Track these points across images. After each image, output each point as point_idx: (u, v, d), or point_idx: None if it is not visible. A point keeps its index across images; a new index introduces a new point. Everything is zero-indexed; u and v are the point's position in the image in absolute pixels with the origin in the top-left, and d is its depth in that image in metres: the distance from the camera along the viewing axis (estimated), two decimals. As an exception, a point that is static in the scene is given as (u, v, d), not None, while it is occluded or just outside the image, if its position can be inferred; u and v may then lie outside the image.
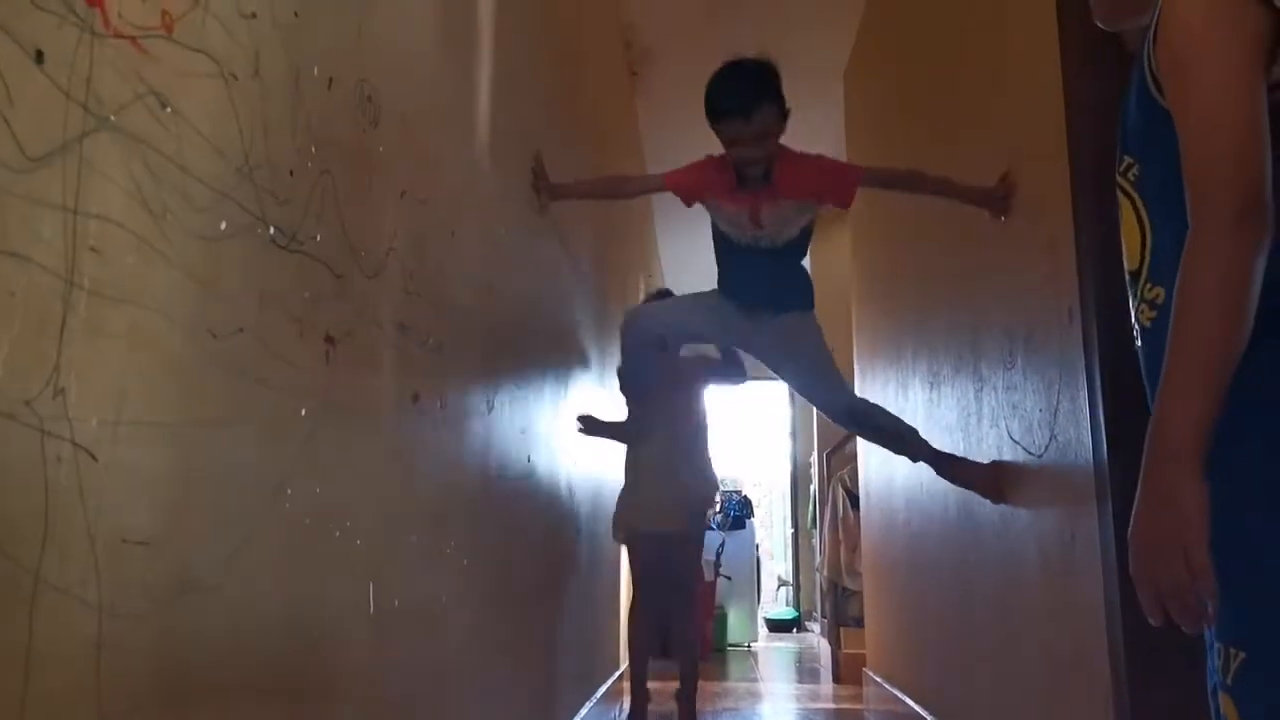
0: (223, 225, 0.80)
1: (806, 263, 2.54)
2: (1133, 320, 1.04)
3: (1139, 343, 1.03)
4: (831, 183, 2.28)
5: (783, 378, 2.55)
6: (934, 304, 2.91)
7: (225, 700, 0.80)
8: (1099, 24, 1.15)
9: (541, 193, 2.16)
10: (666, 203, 6.43)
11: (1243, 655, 0.87)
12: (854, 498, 4.81)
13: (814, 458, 6.40)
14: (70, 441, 0.62)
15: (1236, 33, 0.86)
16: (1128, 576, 1.35)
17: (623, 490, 3.31)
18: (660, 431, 3.18)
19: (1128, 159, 1.02)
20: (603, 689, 3.29)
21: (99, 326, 0.65)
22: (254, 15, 0.85)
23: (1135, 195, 1.01)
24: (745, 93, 2.08)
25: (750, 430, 9.03)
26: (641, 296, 4.27)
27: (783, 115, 2.15)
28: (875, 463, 4.03)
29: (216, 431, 0.80)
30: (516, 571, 1.99)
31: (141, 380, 0.70)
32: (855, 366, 4.60)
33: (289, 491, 0.91)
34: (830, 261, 5.89)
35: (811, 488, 6.50)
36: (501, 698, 1.84)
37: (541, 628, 2.26)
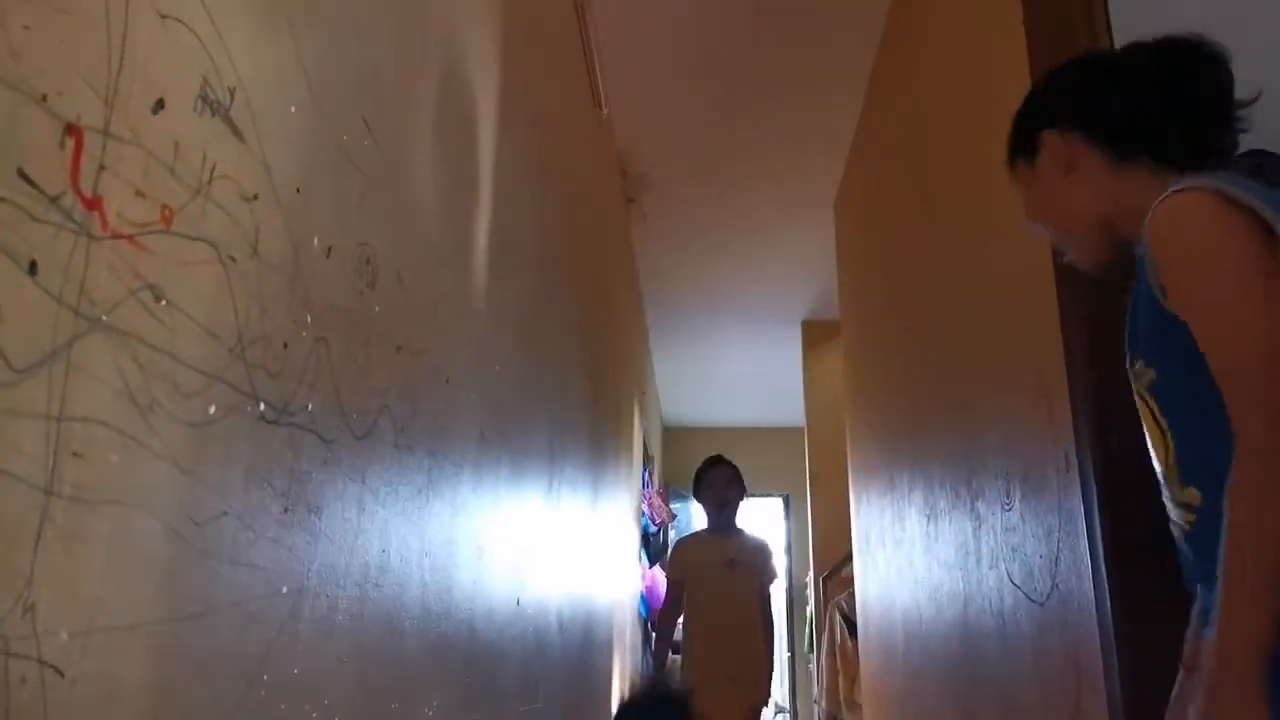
0: (212, 409, 0.78)
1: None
2: (1171, 520, 1.03)
3: (1182, 543, 1.01)
4: None
5: None
6: (929, 434, 2.90)
7: None
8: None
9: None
10: (660, 320, 6.48)
11: None
12: (852, 625, 4.69)
13: (809, 578, 6.28)
14: (36, 660, 0.59)
15: (1236, 236, 0.87)
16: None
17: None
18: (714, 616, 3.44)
19: (1140, 362, 1.03)
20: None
21: (77, 533, 0.62)
22: (256, 196, 0.86)
23: (1151, 400, 1.01)
24: None
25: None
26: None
27: None
28: (874, 590, 3.94)
29: (193, 624, 0.76)
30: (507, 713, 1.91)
31: (118, 583, 0.67)
32: (850, 490, 4.56)
33: (265, 678, 0.87)
34: (824, 382, 5.92)
35: (808, 609, 6.35)
36: None
37: (528, 778, 2.16)
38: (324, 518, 1.01)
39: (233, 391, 0.82)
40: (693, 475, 3.95)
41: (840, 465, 4.79)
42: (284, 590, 0.92)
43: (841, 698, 4.74)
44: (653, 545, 6.42)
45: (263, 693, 0.87)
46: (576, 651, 2.98)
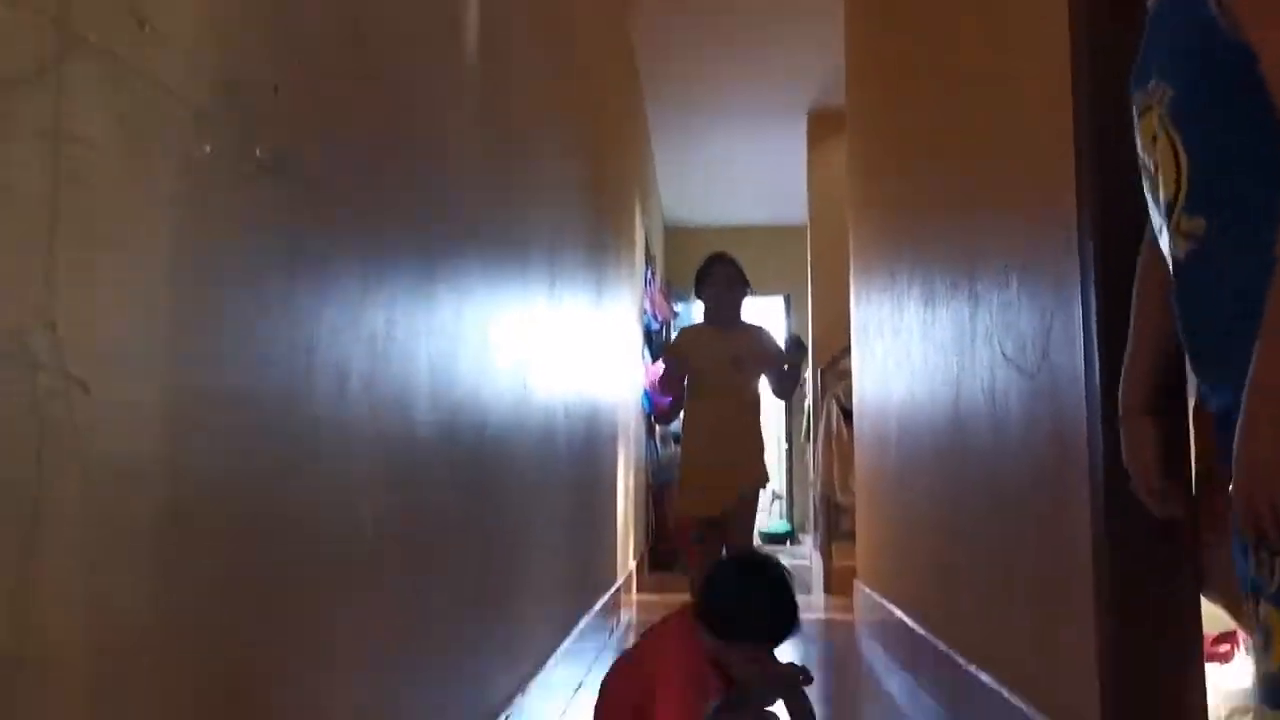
0: (207, 149, 0.78)
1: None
2: (1166, 253, 1.03)
3: (1172, 275, 1.02)
4: None
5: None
6: (931, 224, 2.89)
7: (222, 631, 0.82)
8: None
9: None
10: (662, 118, 6.30)
11: None
12: (848, 413, 4.85)
13: (808, 373, 6.44)
14: (63, 375, 0.61)
15: None
16: (1114, 490, 1.37)
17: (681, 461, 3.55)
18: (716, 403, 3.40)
19: (1161, 85, 1.00)
20: (602, 601, 3.36)
21: (86, 258, 0.63)
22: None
23: (1169, 122, 0.99)
24: None
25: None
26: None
27: None
28: (870, 379, 4.05)
29: (210, 363, 0.79)
30: (509, 494, 2.01)
31: (130, 310, 0.69)
32: (851, 283, 4.59)
33: (284, 429, 0.91)
34: (827, 178, 5.83)
35: (806, 402, 6.54)
36: (497, 612, 1.88)
37: (536, 543, 2.30)
38: (327, 278, 1.02)
39: (227, 132, 0.81)
40: (694, 275, 3.93)
41: (841, 263, 4.80)
42: (296, 343, 0.94)
43: (836, 483, 4.96)
44: (655, 342, 6.54)
45: (283, 439, 0.91)
46: (582, 439, 3.10)
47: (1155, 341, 1.23)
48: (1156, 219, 1.08)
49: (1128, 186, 1.59)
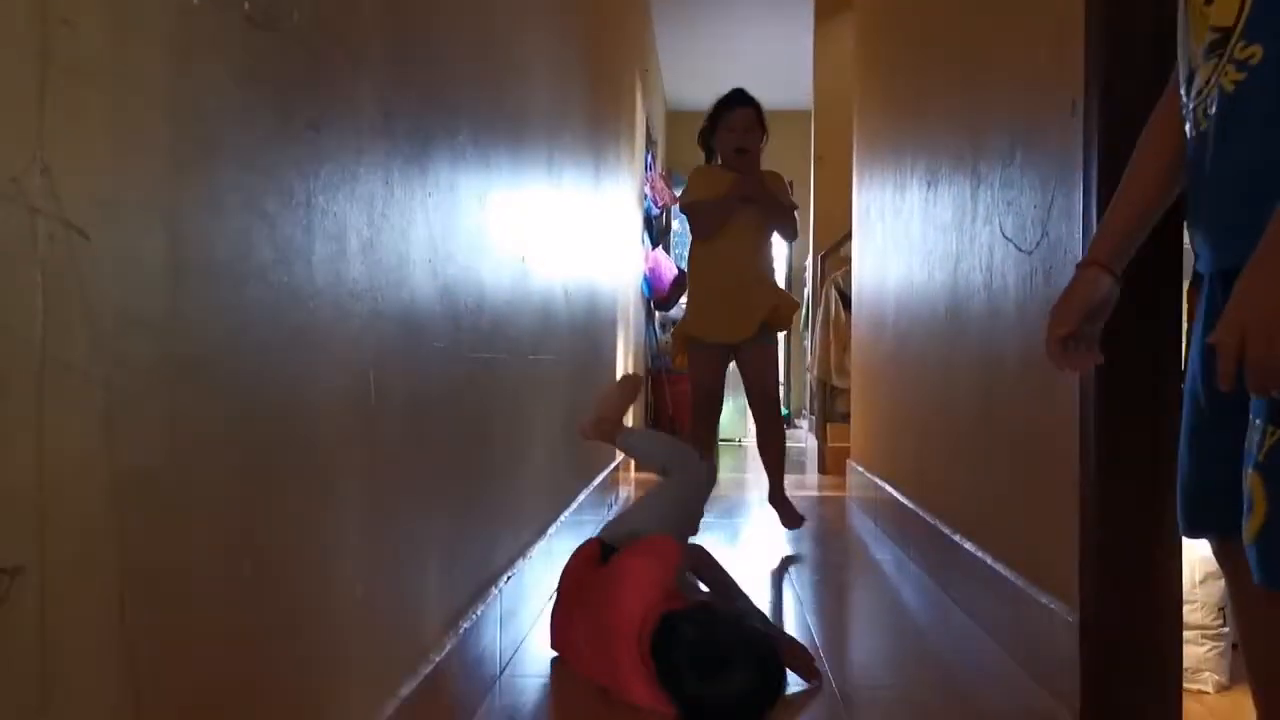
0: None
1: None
2: (1200, 88, 0.99)
3: (1211, 109, 0.98)
4: None
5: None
6: (934, 102, 2.84)
7: (231, 475, 0.85)
8: None
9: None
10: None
11: (1278, 435, 0.91)
12: (847, 299, 4.86)
13: (809, 261, 6.42)
14: (60, 221, 0.62)
15: None
16: (1104, 367, 1.39)
17: (687, 304, 3.42)
18: (728, 241, 3.22)
19: None
20: (600, 477, 3.45)
21: (78, 104, 0.63)
22: None
23: None
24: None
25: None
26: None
27: None
28: (870, 262, 4.04)
29: (207, 216, 0.80)
30: (509, 369, 2.04)
31: (127, 158, 0.69)
32: (854, 168, 4.53)
33: (282, 279, 0.93)
34: (833, 61, 5.67)
35: (805, 291, 6.55)
36: (498, 488, 1.94)
37: (536, 419, 2.35)
38: (322, 135, 1.02)
39: (213, -17, 0.79)
40: (708, 113, 3.36)
41: (845, 148, 4.72)
42: (292, 199, 0.94)
43: (833, 365, 5.01)
44: (655, 228, 6.49)
45: (280, 296, 0.92)
46: (582, 320, 3.12)
47: (1139, 205, 1.21)
48: (1187, 66, 1.05)
49: (1134, 62, 1.57)
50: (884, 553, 3.13)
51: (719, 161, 3.41)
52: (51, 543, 0.61)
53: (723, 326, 3.34)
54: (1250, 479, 0.95)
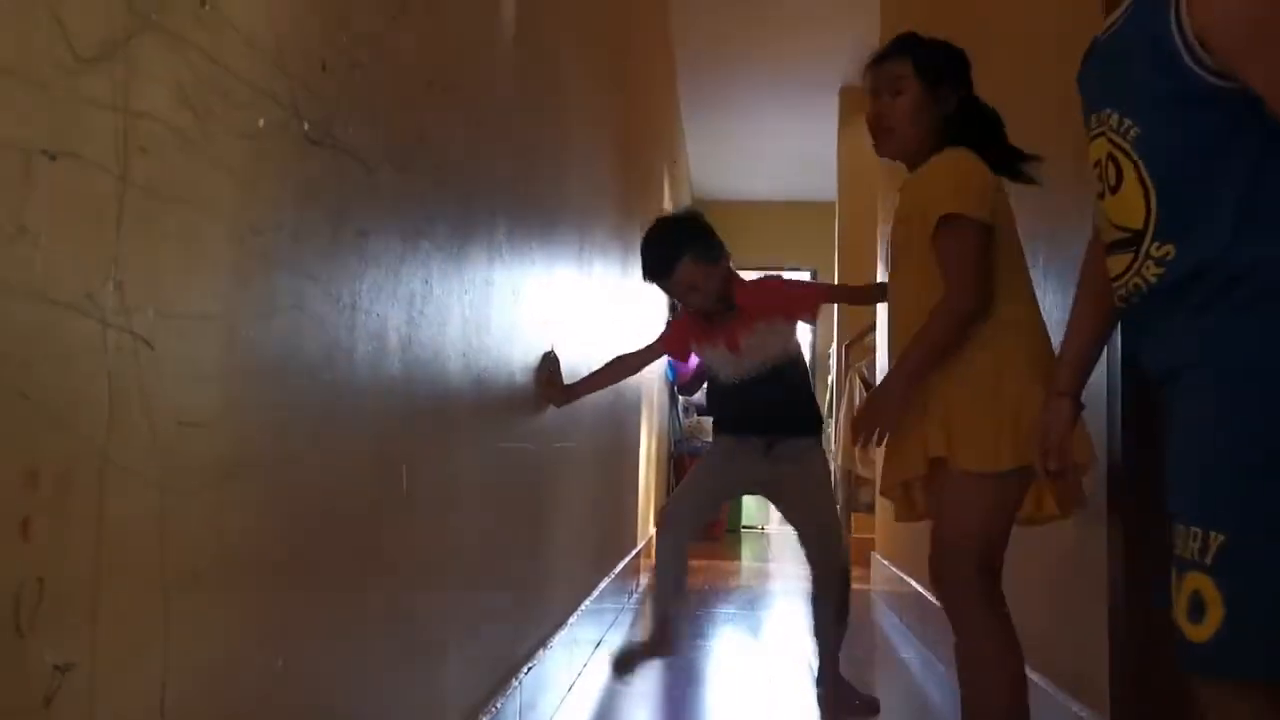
0: (260, 123, 0.82)
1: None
2: (1125, 281, 1.08)
3: (1134, 299, 1.07)
4: (795, 299, 2.35)
5: (784, 509, 2.42)
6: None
7: (272, 573, 0.87)
8: None
9: (556, 397, 2.12)
10: (692, 85, 6.26)
11: (1223, 538, 0.92)
12: (870, 388, 4.87)
13: (833, 349, 6.44)
14: (129, 332, 0.66)
15: None
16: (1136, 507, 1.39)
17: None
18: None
19: (1124, 120, 1.04)
20: (621, 565, 3.43)
21: (153, 223, 0.68)
22: (284, -93, 0.85)
23: (1134, 154, 1.03)
24: (659, 257, 2.19)
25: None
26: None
27: (707, 260, 2.14)
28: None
29: (260, 323, 0.84)
30: (535, 458, 2.06)
31: (191, 274, 0.74)
32: (879, 259, 4.58)
33: (328, 378, 0.96)
34: (857, 154, 5.80)
35: (829, 379, 6.56)
36: (521, 575, 1.94)
37: (560, 504, 2.36)
38: (370, 241, 1.07)
39: (277, 106, 0.85)
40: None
41: (869, 239, 4.79)
42: (339, 302, 0.99)
43: (856, 454, 4.99)
44: (678, 313, 6.55)
45: (324, 393, 0.96)
46: (606, 405, 3.14)
47: (1089, 334, 1.33)
48: (1105, 225, 1.12)
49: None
50: (909, 650, 3.07)
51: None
52: (103, 640, 0.64)
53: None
54: (1192, 580, 0.95)
